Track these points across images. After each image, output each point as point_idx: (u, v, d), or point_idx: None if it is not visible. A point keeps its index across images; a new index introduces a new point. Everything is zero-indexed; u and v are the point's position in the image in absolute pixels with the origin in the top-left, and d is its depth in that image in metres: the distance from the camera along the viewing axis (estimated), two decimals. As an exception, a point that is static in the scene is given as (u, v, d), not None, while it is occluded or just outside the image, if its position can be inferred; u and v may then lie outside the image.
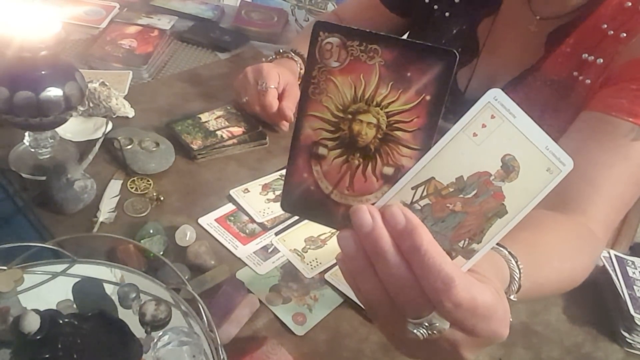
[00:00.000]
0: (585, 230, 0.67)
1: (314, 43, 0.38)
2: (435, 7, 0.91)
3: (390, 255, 0.37)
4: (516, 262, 0.51)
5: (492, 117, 0.37)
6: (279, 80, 0.93)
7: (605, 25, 0.75)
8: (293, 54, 1.01)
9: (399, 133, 0.38)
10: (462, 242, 0.39)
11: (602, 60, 0.75)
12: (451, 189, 0.38)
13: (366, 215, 0.38)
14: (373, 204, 0.39)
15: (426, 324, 0.38)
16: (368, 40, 0.37)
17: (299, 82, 0.99)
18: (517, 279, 0.50)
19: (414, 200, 0.38)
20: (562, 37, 0.79)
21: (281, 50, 1.02)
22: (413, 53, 0.37)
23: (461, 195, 0.38)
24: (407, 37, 0.98)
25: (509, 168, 0.37)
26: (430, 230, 0.38)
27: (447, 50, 0.36)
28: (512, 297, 0.51)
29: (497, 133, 0.37)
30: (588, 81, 0.77)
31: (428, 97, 0.37)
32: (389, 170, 0.39)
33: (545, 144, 0.37)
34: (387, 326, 0.43)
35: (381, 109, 0.38)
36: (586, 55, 0.77)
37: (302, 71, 1.01)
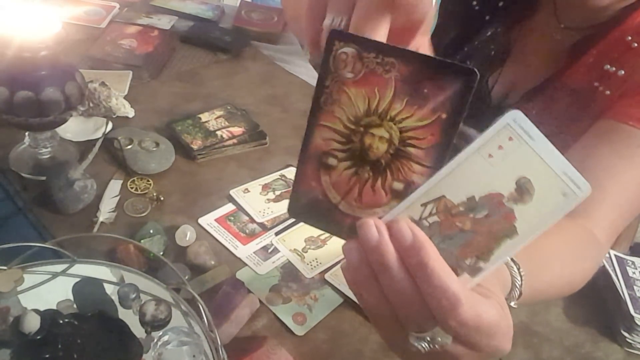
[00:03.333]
0: (589, 235, 0.67)
1: (329, 52, 0.37)
2: (477, 7, 0.90)
3: (395, 270, 0.37)
4: (518, 270, 0.50)
5: (510, 139, 0.36)
6: None
7: (630, 38, 0.75)
8: None
9: (411, 149, 0.37)
10: (469, 259, 0.38)
11: (623, 72, 0.75)
12: (462, 208, 0.37)
13: (373, 229, 0.37)
14: (380, 217, 0.38)
15: (429, 338, 0.38)
16: (385, 52, 0.36)
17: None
18: (518, 286, 0.50)
19: (423, 216, 0.38)
20: (587, 48, 0.78)
21: None
22: (431, 69, 0.35)
23: (471, 215, 0.37)
24: (436, 29, 0.96)
25: (523, 191, 0.37)
26: (437, 247, 0.37)
27: (468, 69, 0.35)
28: (512, 303, 0.50)
29: (513, 155, 0.36)
30: (608, 92, 0.77)
31: (444, 116, 0.36)
32: (398, 186, 0.38)
33: (563, 169, 0.36)
34: (388, 335, 0.43)
35: (395, 124, 0.37)
36: (608, 66, 0.77)
37: None
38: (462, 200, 0.37)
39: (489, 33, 0.88)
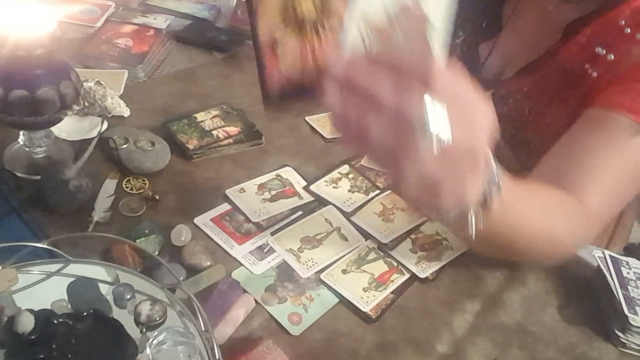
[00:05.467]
0: (577, 206, 0.68)
1: None
2: None
3: (370, 69, 0.40)
4: (497, 171, 0.51)
5: None
6: None
7: (623, 22, 0.76)
8: None
9: None
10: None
11: (612, 57, 0.76)
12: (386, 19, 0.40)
13: (338, 59, 0.41)
14: None
15: (427, 124, 0.39)
16: None
17: None
18: (497, 179, 0.51)
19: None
20: (581, 27, 0.80)
21: None
22: None
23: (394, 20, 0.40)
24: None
25: None
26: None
27: None
28: (494, 190, 0.51)
29: None
30: (595, 74, 0.78)
31: None
32: (341, 36, 0.42)
33: None
34: (392, 164, 0.43)
35: None
36: (599, 49, 0.77)
37: None
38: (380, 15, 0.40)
39: (481, 6, 0.90)
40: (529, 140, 0.86)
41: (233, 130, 0.92)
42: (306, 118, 0.99)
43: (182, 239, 0.72)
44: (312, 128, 0.98)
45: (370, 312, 0.69)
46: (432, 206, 0.47)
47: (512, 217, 0.59)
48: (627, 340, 0.70)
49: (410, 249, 0.78)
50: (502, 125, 0.72)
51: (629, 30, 0.75)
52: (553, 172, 0.71)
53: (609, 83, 0.76)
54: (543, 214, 0.65)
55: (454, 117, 0.40)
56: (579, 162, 0.70)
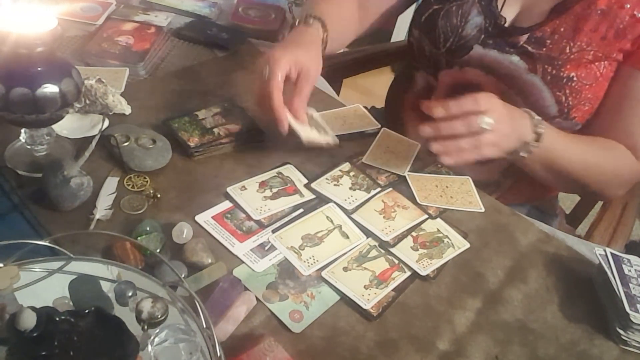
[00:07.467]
0: (625, 151, 0.90)
1: None
2: None
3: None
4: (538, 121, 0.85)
5: None
6: (291, 68, 0.85)
7: None
8: (312, 19, 0.94)
9: None
10: None
11: None
12: None
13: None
14: None
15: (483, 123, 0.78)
16: None
17: (324, 48, 0.94)
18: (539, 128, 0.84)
19: None
20: None
21: (299, 19, 0.95)
22: None
23: None
24: None
25: None
26: None
27: None
28: (540, 130, 0.84)
29: None
30: (637, 13, 0.86)
31: None
32: None
33: None
34: (475, 148, 0.80)
35: None
36: None
37: (325, 35, 0.94)
38: None
39: None
40: (570, 79, 0.89)
41: (234, 127, 0.92)
42: (307, 116, 0.99)
43: (184, 236, 0.72)
44: (313, 126, 0.98)
45: (371, 310, 0.69)
46: (501, 152, 0.82)
47: (559, 149, 0.87)
48: (628, 337, 0.70)
49: (411, 247, 0.78)
50: (541, 66, 0.93)
51: None
52: (607, 128, 0.93)
53: None
54: (586, 150, 0.90)
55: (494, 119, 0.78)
56: (632, 117, 0.90)
